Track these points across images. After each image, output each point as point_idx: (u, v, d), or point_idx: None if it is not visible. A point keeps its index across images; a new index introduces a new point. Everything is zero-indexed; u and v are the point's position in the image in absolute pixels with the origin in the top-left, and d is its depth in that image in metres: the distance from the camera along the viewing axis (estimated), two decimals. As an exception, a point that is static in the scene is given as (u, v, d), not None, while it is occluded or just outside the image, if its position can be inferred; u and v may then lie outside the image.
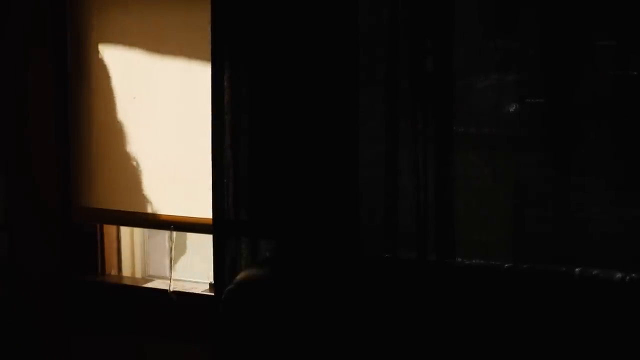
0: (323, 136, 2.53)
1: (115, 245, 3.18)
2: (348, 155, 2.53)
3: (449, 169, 2.47)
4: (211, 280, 2.81)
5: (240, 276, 2.41)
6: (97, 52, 2.99)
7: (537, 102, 2.42)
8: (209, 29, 2.61)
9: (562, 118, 2.37)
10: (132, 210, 2.97)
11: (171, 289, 2.94)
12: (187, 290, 2.98)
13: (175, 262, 3.08)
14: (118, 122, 2.98)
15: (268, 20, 2.54)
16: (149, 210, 2.95)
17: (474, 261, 2.37)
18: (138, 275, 3.17)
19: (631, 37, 2.29)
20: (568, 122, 2.36)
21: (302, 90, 2.53)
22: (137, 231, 3.16)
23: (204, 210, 2.78)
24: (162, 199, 2.93)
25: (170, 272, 2.98)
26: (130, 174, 2.97)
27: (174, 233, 2.96)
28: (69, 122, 3.03)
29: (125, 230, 3.14)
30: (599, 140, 2.35)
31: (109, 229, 3.13)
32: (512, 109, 2.46)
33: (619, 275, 2.16)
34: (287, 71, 2.54)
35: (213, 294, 2.72)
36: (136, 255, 3.18)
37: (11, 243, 3.13)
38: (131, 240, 3.18)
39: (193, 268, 3.13)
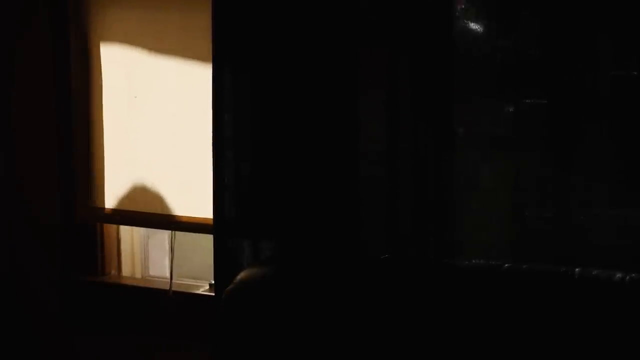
0: (323, 135, 2.53)
1: (115, 245, 3.18)
2: (348, 155, 2.53)
3: (449, 168, 2.47)
4: (211, 280, 2.82)
5: (241, 276, 2.41)
6: (99, 51, 2.99)
7: (537, 102, 2.43)
8: (209, 27, 2.61)
9: (562, 118, 2.37)
10: (132, 209, 2.97)
11: (171, 289, 2.94)
12: (187, 291, 2.98)
13: (176, 262, 3.07)
14: (119, 121, 2.98)
15: (269, 19, 2.54)
16: (150, 210, 2.95)
17: (474, 261, 2.37)
18: (138, 275, 3.17)
19: (631, 37, 2.29)
20: (568, 122, 2.37)
21: (302, 90, 2.53)
22: (137, 231, 3.15)
23: (204, 209, 2.78)
24: (162, 198, 2.93)
25: (171, 272, 2.97)
26: (130, 173, 2.97)
27: (174, 233, 2.96)
28: (71, 121, 3.03)
29: (125, 230, 3.14)
30: (599, 140, 2.35)
31: (109, 229, 3.13)
32: (512, 109, 2.46)
33: (619, 275, 2.16)
34: (287, 70, 2.54)
35: (213, 294, 2.73)
36: (136, 255, 3.18)
37: (11, 243, 3.13)
38: (131, 240, 3.18)
39: (193, 268, 3.13)
